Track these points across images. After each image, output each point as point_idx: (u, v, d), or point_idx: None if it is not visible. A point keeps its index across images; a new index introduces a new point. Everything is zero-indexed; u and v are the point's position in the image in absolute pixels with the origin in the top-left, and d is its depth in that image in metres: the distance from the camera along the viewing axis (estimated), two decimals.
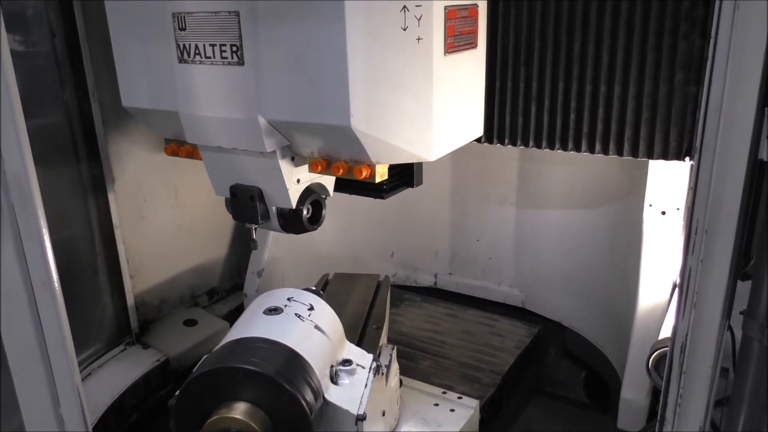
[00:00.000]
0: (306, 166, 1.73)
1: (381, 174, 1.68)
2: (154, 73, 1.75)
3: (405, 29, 1.51)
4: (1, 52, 1.05)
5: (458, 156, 2.05)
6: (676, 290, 1.74)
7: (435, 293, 3.31)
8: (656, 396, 2.23)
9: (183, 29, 1.61)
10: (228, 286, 3.12)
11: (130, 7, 1.73)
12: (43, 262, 1.14)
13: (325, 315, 1.85)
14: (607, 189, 2.72)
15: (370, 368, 1.79)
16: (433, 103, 1.63)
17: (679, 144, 1.89)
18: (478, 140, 2.05)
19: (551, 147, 2.08)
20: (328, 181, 1.88)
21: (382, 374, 1.86)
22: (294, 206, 1.78)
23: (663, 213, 2.25)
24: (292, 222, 1.81)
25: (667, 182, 2.21)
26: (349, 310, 2.24)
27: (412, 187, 2.00)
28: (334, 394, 1.66)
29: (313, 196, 1.82)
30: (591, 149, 2.03)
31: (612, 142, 1.98)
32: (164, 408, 1.63)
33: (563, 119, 2.03)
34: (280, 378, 1.51)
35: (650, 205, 2.26)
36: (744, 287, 1.30)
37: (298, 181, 1.77)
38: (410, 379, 2.31)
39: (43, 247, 1.14)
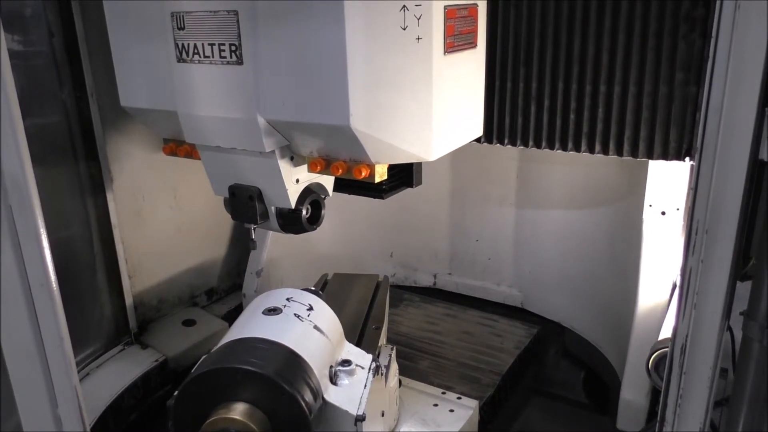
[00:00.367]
0: (305, 166, 1.73)
1: (380, 174, 1.68)
2: (152, 73, 1.75)
3: (404, 29, 1.50)
4: None
5: (458, 156, 2.05)
6: (676, 291, 1.74)
7: (434, 293, 3.30)
8: (656, 396, 2.23)
9: (182, 28, 1.60)
10: (227, 286, 3.12)
11: (129, 7, 1.73)
12: (41, 263, 1.14)
13: (325, 315, 1.85)
14: (606, 189, 2.72)
15: (370, 368, 1.79)
16: (432, 103, 1.63)
17: (679, 144, 1.89)
18: (478, 140, 2.05)
19: (551, 147, 2.08)
20: (328, 181, 1.88)
21: (382, 374, 1.86)
22: (293, 206, 1.77)
23: (663, 213, 2.25)
24: (291, 222, 1.81)
25: (667, 182, 2.21)
26: (349, 311, 2.24)
27: (412, 187, 1.99)
28: (333, 395, 1.66)
29: (312, 196, 1.82)
30: (591, 149, 2.03)
31: (612, 142, 1.98)
32: (163, 408, 1.63)
33: (563, 119, 2.03)
34: (279, 378, 1.51)
35: (650, 206, 2.26)
36: (744, 288, 1.30)
37: (297, 180, 1.77)
38: (409, 379, 2.31)
39: (41, 248, 1.13)
